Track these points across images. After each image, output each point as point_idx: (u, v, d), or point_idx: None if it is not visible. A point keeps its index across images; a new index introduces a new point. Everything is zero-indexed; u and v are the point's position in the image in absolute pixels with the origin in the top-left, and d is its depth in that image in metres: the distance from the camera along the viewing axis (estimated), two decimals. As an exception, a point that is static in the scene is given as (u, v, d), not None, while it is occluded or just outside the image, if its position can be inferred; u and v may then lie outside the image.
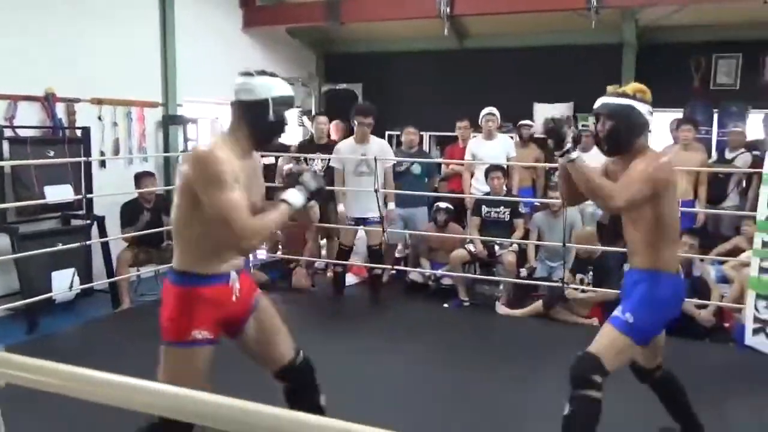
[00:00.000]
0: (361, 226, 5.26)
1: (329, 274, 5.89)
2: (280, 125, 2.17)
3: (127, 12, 6.00)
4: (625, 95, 2.47)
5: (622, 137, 2.45)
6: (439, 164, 6.83)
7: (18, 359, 0.95)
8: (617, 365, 2.40)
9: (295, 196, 2.14)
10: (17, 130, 4.98)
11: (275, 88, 2.15)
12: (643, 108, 2.46)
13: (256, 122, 2.14)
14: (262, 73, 2.18)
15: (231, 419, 0.85)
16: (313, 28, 8.17)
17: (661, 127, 6.74)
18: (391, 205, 5.24)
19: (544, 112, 7.30)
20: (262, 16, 7.67)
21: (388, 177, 5.19)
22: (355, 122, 5.14)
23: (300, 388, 2.39)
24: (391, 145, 6.43)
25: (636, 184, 2.35)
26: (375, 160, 4.96)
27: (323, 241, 6.09)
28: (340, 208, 5.25)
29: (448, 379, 3.66)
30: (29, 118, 5.13)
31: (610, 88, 2.57)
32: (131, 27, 6.04)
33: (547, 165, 5.97)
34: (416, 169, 5.80)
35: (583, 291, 4.82)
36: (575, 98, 7.26)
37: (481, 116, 5.85)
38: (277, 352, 2.33)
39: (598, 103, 2.53)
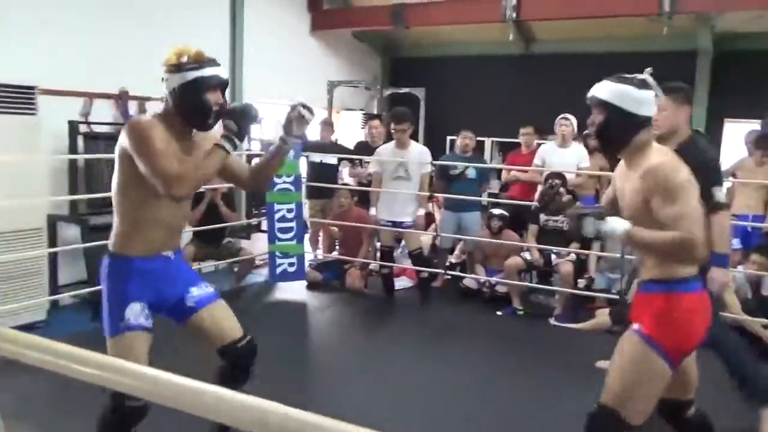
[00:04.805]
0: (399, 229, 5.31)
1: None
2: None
3: (198, 12, 6.22)
4: None
5: None
6: (499, 170, 6.74)
7: (14, 334, 1.01)
8: None
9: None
10: (92, 126, 5.23)
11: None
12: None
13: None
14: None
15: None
16: (379, 32, 8.25)
17: (737, 138, 6.46)
18: (421, 211, 5.26)
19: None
20: (329, 20, 7.80)
21: (425, 183, 5.19)
22: (392, 129, 5.21)
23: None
24: (452, 150, 6.42)
25: None
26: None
27: (379, 243, 6.12)
28: (372, 211, 5.32)
29: (495, 388, 3.60)
30: (103, 114, 5.38)
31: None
32: (202, 28, 6.23)
33: (611, 174, 5.78)
34: (471, 173, 5.74)
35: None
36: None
37: (556, 121, 5.71)
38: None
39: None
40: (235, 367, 2.40)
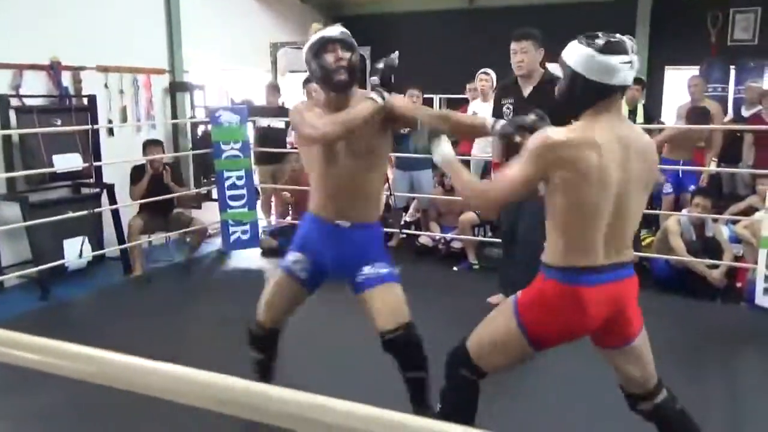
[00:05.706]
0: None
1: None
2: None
3: (130, -23, 5.94)
4: None
5: None
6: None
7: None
8: None
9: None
10: (23, 99, 4.98)
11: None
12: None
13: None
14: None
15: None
16: (321, -10, 8.05)
17: (678, 84, 6.59)
18: None
19: (555, 72, 7.16)
20: (268, -21, 7.55)
21: None
22: None
23: None
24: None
25: None
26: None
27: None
28: None
29: (454, 341, 3.65)
30: (35, 87, 5.12)
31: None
32: (135, -8, 5.98)
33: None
34: None
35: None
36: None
37: (476, 76, 5.73)
38: None
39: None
40: (394, 354, 2.42)
